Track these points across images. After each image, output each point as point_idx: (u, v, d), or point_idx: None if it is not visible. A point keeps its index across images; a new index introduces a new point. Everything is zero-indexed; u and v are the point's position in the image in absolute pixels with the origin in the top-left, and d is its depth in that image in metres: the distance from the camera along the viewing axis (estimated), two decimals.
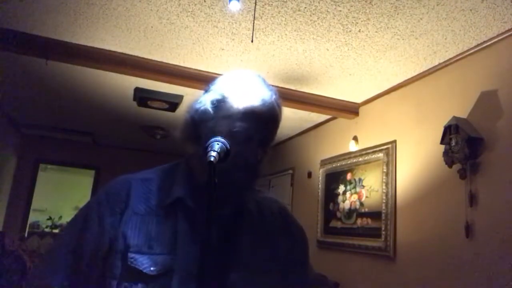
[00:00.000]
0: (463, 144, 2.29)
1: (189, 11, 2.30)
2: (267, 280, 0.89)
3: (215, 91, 0.89)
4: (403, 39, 2.43)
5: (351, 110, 3.61)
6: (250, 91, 0.88)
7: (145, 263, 0.81)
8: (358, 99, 3.54)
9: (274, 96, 0.90)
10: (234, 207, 0.92)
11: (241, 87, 0.88)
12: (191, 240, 0.84)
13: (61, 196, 7.65)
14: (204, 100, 0.89)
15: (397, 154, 3.05)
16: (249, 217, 0.94)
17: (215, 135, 0.82)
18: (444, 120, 2.46)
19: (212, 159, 0.76)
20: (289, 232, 1.01)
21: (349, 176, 3.60)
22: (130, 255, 0.82)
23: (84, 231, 0.87)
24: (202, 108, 0.88)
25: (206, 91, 0.92)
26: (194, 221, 0.85)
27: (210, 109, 0.87)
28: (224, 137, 0.81)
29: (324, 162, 4.03)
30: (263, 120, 0.86)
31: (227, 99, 0.86)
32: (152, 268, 0.81)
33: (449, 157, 2.39)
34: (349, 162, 3.61)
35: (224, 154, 0.79)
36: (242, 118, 0.84)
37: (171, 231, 0.85)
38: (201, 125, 0.87)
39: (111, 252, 0.84)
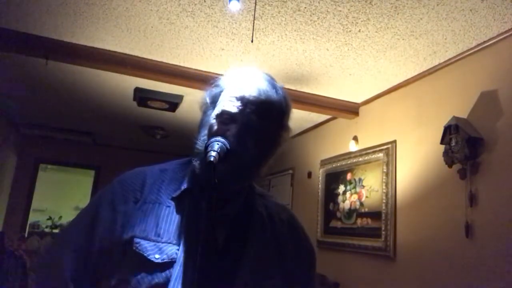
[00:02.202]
0: (463, 144, 2.29)
1: (189, 11, 2.31)
2: (270, 283, 0.89)
3: (215, 85, 0.92)
4: (403, 39, 2.43)
5: (351, 110, 3.61)
6: (245, 80, 0.89)
7: (149, 250, 0.82)
8: (358, 99, 3.54)
9: (272, 87, 0.90)
10: (238, 204, 0.92)
11: (238, 78, 0.90)
12: (196, 234, 0.84)
13: (61, 196, 7.66)
14: (205, 96, 0.93)
15: (397, 154, 3.05)
16: (258, 219, 0.94)
17: (210, 121, 0.86)
18: (444, 120, 2.46)
19: (212, 159, 0.77)
20: (298, 242, 1.00)
21: (349, 176, 3.60)
22: (136, 240, 0.83)
23: (96, 219, 0.88)
24: (202, 103, 0.92)
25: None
26: (200, 215, 0.86)
27: (209, 102, 0.91)
28: (214, 120, 0.86)
29: (324, 162, 4.03)
30: (253, 103, 0.86)
31: (222, 89, 0.90)
32: (156, 256, 0.81)
33: (449, 157, 2.39)
34: (349, 162, 3.61)
35: (224, 154, 0.79)
36: (231, 100, 0.86)
37: (179, 222, 0.85)
38: (203, 119, 0.91)
39: (120, 239, 0.84)
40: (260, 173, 0.91)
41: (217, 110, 0.87)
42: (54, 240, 0.96)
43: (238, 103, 0.85)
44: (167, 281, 0.80)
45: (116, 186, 0.92)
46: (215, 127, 0.86)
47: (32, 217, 6.52)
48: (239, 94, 0.86)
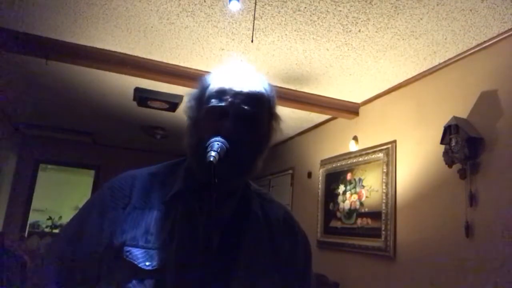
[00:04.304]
0: (463, 144, 2.29)
1: (189, 11, 2.31)
2: (267, 283, 0.88)
3: (200, 85, 0.93)
4: (403, 39, 2.43)
5: (351, 110, 3.61)
6: (230, 75, 0.89)
7: (140, 257, 0.80)
8: (358, 99, 3.54)
9: (258, 78, 0.91)
10: (234, 205, 0.91)
11: (222, 74, 0.91)
12: (189, 237, 0.82)
13: (61, 196, 7.65)
14: (190, 97, 0.93)
15: (397, 154, 3.05)
16: (254, 220, 0.92)
17: (200, 121, 0.86)
18: (444, 120, 2.46)
19: (212, 159, 0.76)
20: (294, 240, 0.98)
21: (349, 176, 3.60)
22: (126, 248, 0.81)
23: (84, 228, 0.87)
24: (188, 105, 0.92)
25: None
26: (194, 218, 0.84)
27: (194, 103, 0.91)
28: (204, 119, 0.85)
29: (324, 162, 4.03)
30: (243, 94, 0.86)
31: (207, 87, 0.90)
32: (147, 263, 0.79)
33: (449, 157, 2.39)
34: (349, 162, 3.61)
35: (224, 154, 0.79)
36: (219, 96, 0.86)
37: (170, 226, 0.83)
38: (191, 122, 0.90)
39: (109, 247, 0.83)
40: (257, 166, 0.89)
41: (205, 108, 0.87)
42: (46, 248, 0.97)
43: (226, 97, 0.85)
44: (160, 287, 0.79)
45: (106, 192, 0.90)
46: (207, 125, 0.85)
47: (32, 217, 6.52)
48: (224, 88, 0.86)
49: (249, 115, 0.85)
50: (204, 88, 0.90)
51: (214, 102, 0.85)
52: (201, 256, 0.80)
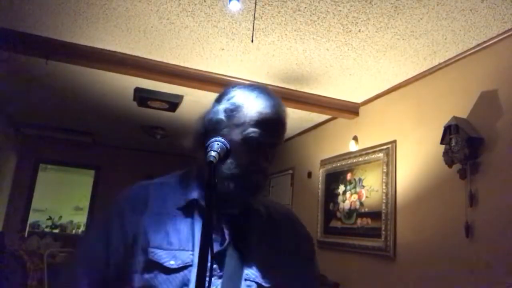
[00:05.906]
0: (463, 144, 2.29)
1: (189, 11, 2.31)
2: (277, 277, 0.93)
3: (228, 101, 0.94)
4: (403, 39, 2.43)
5: (351, 110, 3.61)
6: (262, 101, 0.93)
7: (165, 257, 0.86)
8: (358, 99, 3.54)
9: (282, 106, 0.97)
10: (246, 207, 0.97)
11: (254, 97, 0.94)
12: (207, 237, 0.88)
13: (61, 196, 7.64)
14: (217, 110, 0.94)
15: (397, 154, 3.05)
16: (260, 218, 0.99)
17: (229, 142, 0.89)
18: (444, 120, 2.46)
19: (211, 159, 0.78)
20: (297, 233, 1.06)
21: (349, 176, 3.60)
22: (151, 249, 0.87)
23: (109, 234, 0.92)
24: (215, 118, 0.93)
25: (218, 101, 0.97)
26: (208, 219, 0.89)
27: (224, 118, 0.92)
28: (239, 145, 0.89)
29: (324, 162, 4.03)
30: (275, 127, 0.93)
31: (241, 109, 0.92)
32: (172, 262, 0.86)
33: (449, 157, 2.39)
34: (349, 162, 3.61)
35: (224, 154, 0.81)
36: (257, 126, 0.90)
37: (188, 230, 0.90)
38: (214, 134, 0.91)
39: (132, 249, 0.89)
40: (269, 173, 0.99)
41: (244, 137, 0.90)
42: (71, 259, 1.03)
43: (264, 131, 0.90)
44: (185, 284, 0.85)
45: (122, 201, 0.96)
46: (248, 157, 0.90)
47: (32, 217, 6.52)
48: (261, 120, 0.91)
49: (279, 144, 0.95)
50: (238, 108, 0.92)
51: (252, 131, 0.90)
52: (217, 254, 0.86)
